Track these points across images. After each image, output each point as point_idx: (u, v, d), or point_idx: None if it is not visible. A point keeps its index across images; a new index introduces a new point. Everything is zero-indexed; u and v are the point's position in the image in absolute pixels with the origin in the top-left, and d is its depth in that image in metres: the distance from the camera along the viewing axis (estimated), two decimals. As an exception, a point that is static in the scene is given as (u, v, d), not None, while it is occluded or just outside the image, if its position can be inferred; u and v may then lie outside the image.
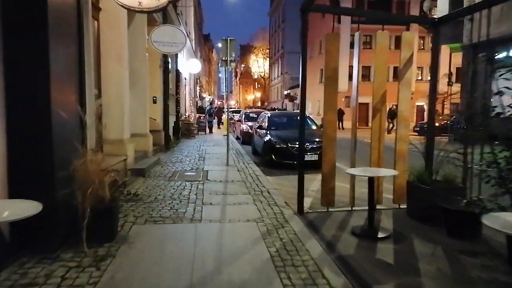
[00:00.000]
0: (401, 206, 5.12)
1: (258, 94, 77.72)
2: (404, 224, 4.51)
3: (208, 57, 68.47)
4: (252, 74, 79.33)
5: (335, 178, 4.96)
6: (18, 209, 2.48)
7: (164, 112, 11.25)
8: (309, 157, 8.53)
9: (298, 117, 11.49)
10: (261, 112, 16.59)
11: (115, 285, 2.82)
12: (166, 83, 11.34)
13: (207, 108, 24.16)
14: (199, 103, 36.34)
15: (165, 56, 10.96)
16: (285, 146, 8.90)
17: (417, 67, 28.42)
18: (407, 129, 5.07)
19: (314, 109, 33.87)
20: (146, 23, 8.75)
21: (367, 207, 5.00)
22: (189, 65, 18.17)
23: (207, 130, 20.73)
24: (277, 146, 9.01)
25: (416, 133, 18.16)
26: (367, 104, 23.07)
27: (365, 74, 29.43)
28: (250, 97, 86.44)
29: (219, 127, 24.67)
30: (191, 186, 6.24)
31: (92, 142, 4.71)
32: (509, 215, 2.84)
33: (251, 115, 17.33)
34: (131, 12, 4.93)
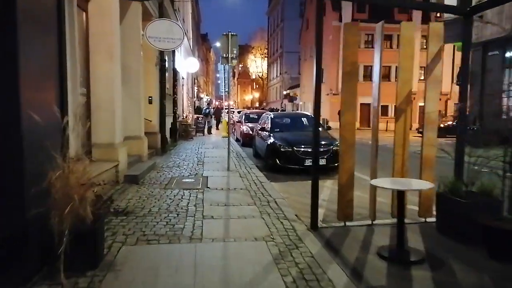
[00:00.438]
0: (427, 220, 4.53)
1: (257, 94, 77.05)
2: (436, 243, 3.92)
3: (206, 57, 67.79)
4: (250, 74, 78.64)
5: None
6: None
7: (161, 113, 10.61)
8: (316, 161, 7.93)
9: (303, 118, 11.08)
10: (262, 112, 15.99)
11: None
12: (163, 82, 10.70)
13: (204, 108, 23.47)
14: (197, 104, 35.67)
15: (161, 54, 10.33)
16: (290, 149, 8.29)
17: (420, 67, 27.84)
18: (434, 133, 4.48)
19: (314, 109, 33.26)
20: (141, 17, 8.12)
21: (389, 220, 4.47)
22: (186, 64, 17.55)
23: (206, 131, 20.09)
24: (281, 149, 8.39)
25: (420, 135, 17.61)
26: (368, 104, 22.65)
27: (366, 74, 28.96)
28: (248, 97, 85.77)
29: (217, 128, 24.05)
30: (190, 196, 5.62)
31: (75, 149, 4.10)
32: None
33: (251, 116, 16.72)
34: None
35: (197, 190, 5.99)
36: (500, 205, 3.82)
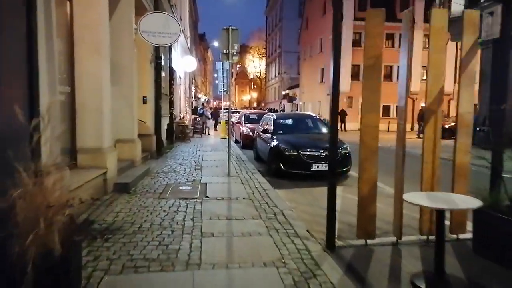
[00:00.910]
0: (460, 237, 3.95)
1: (254, 95, 76.43)
2: (476, 267, 3.33)
3: (204, 57, 67.11)
4: (248, 74, 77.99)
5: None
6: None
7: (156, 114, 9.98)
8: (323, 166, 7.36)
9: (307, 119, 10.46)
10: (262, 113, 15.38)
11: None
12: (158, 81, 10.06)
13: (199, 108, 22.71)
14: (195, 104, 34.98)
15: (156, 50, 9.69)
16: (295, 153, 7.68)
17: (422, 67, 27.31)
18: (469, 138, 3.89)
19: (315, 109, 32.66)
20: (134, 11, 7.49)
21: (416, 237, 3.91)
22: (184, 62, 16.92)
23: (204, 132, 19.44)
24: (286, 153, 7.78)
25: (420, 138, 17.06)
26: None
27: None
28: (246, 97, 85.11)
29: (215, 129, 23.43)
30: (187, 207, 5.01)
31: (52, 157, 3.47)
32: None
33: (251, 116, 16.08)
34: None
35: (195, 200, 5.38)
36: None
